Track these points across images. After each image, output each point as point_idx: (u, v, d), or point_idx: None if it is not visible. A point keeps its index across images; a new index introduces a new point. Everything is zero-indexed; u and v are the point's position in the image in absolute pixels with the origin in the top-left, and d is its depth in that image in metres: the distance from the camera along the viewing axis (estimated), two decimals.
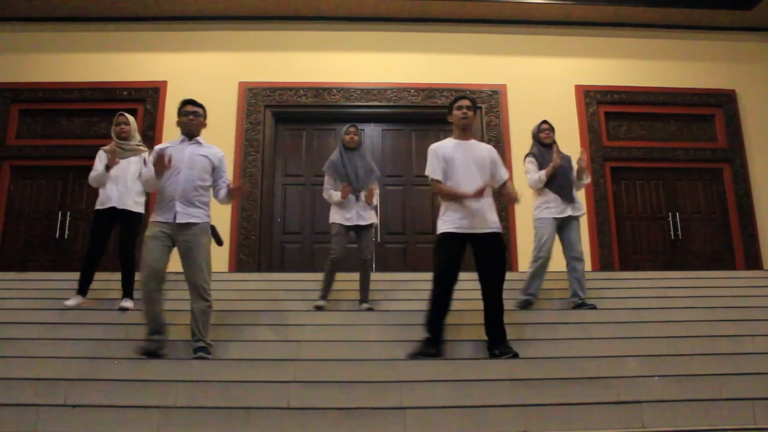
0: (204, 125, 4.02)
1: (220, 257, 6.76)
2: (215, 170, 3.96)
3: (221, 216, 6.85)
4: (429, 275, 3.86)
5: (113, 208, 4.73)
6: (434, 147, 4.02)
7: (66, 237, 7.09)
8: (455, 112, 4.02)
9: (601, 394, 3.12)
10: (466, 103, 4.04)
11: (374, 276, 5.20)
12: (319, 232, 7.08)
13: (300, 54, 7.57)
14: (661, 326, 4.21)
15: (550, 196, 4.85)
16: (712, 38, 7.90)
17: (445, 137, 4.19)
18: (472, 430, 2.84)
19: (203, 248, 3.77)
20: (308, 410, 2.92)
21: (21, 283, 5.52)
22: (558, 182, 4.84)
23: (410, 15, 7.66)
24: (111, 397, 3.08)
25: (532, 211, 4.97)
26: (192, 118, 3.92)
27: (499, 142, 7.35)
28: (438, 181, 3.91)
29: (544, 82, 7.48)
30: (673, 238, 7.41)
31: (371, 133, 7.70)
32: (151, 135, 7.22)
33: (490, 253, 3.82)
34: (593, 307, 4.59)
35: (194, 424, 2.83)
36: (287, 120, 7.63)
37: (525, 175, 4.98)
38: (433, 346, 3.73)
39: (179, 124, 3.98)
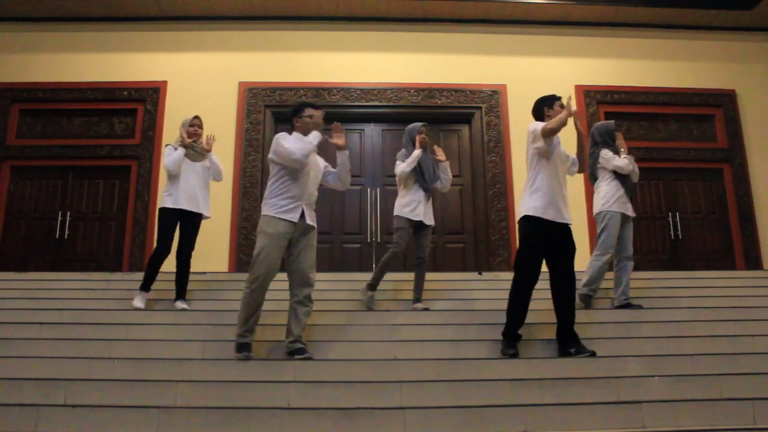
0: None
1: (219, 257, 6.77)
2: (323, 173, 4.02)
3: (221, 215, 6.86)
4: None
5: (182, 210, 4.80)
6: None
7: (66, 237, 7.09)
8: (558, 109, 3.90)
9: (601, 394, 3.12)
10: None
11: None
12: (320, 232, 7.05)
13: (300, 54, 7.57)
14: (661, 326, 4.22)
15: (621, 190, 4.89)
16: (712, 38, 7.90)
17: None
18: (472, 430, 2.84)
19: (315, 250, 3.82)
20: (308, 410, 2.92)
21: (21, 283, 5.52)
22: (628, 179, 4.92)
23: (410, 15, 7.65)
24: (111, 397, 3.08)
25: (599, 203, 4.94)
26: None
27: (499, 141, 7.34)
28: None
29: (544, 82, 7.44)
30: (673, 238, 7.40)
31: (371, 133, 7.69)
32: (150, 135, 7.22)
33: (565, 248, 3.74)
34: (639, 307, 4.64)
35: (194, 424, 2.83)
36: (287, 120, 7.57)
37: (608, 161, 4.87)
38: (511, 346, 3.72)
39: (299, 125, 3.94)
